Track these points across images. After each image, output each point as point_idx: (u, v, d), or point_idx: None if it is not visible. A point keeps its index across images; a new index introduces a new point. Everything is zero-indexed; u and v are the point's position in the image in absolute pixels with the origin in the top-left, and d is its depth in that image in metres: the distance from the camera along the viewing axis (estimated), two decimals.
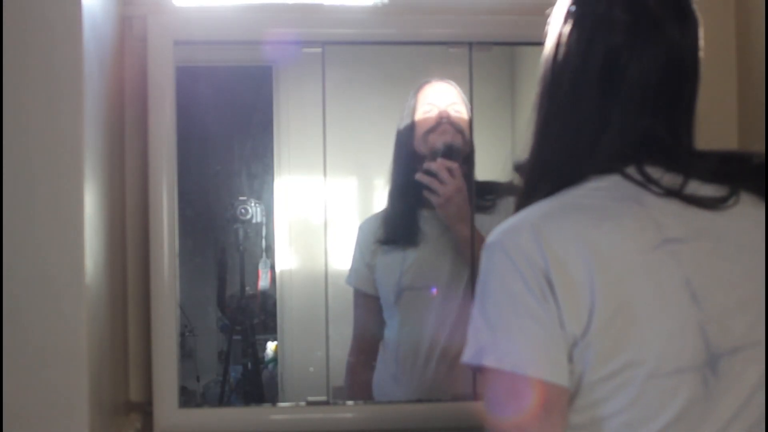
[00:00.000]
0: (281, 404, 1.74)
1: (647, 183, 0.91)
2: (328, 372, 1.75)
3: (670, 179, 0.92)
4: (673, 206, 0.90)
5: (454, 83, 1.82)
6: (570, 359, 0.85)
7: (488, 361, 0.85)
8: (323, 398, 1.68)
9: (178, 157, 1.63)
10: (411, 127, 1.80)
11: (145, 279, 1.61)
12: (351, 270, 1.83)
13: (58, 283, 1.29)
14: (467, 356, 0.87)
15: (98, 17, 1.42)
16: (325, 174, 1.77)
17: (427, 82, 1.83)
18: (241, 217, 1.88)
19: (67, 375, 1.29)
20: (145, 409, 1.62)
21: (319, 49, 1.71)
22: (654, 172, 0.92)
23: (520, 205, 0.95)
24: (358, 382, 1.80)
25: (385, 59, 1.87)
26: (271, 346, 1.96)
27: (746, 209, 0.92)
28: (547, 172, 0.96)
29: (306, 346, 1.87)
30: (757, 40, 1.62)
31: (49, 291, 1.29)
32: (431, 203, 1.74)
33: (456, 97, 1.79)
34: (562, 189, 0.93)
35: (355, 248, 1.82)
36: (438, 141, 1.75)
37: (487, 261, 0.89)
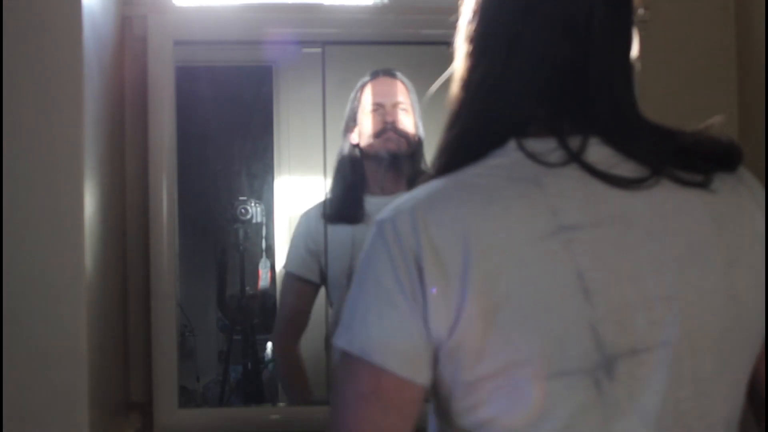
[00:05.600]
0: (281, 404, 1.74)
1: (546, 153, 0.79)
2: (328, 372, 1.75)
3: (575, 146, 0.80)
4: (578, 187, 0.79)
5: (400, 75, 1.81)
6: (436, 356, 0.78)
7: (340, 342, 0.79)
8: (323, 398, 1.68)
9: (178, 157, 1.63)
10: (354, 125, 1.80)
11: (145, 279, 1.61)
12: (290, 256, 1.81)
13: (58, 283, 1.29)
14: (333, 337, 0.82)
15: (98, 17, 1.42)
16: (325, 174, 1.78)
17: (375, 76, 1.81)
18: (241, 217, 1.88)
19: (67, 375, 1.29)
20: (145, 409, 1.62)
21: (319, 49, 1.71)
22: (554, 141, 0.81)
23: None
24: (288, 362, 1.81)
25: (385, 59, 1.87)
26: (271, 346, 1.96)
27: (667, 192, 0.80)
28: (447, 140, 0.86)
29: (306, 346, 1.87)
30: (757, 40, 1.62)
31: (49, 291, 1.29)
32: (374, 190, 1.78)
33: (402, 94, 1.79)
34: (462, 163, 0.82)
35: (295, 236, 1.81)
36: (382, 149, 1.77)
37: (368, 240, 0.83)
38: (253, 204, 1.89)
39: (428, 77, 1.90)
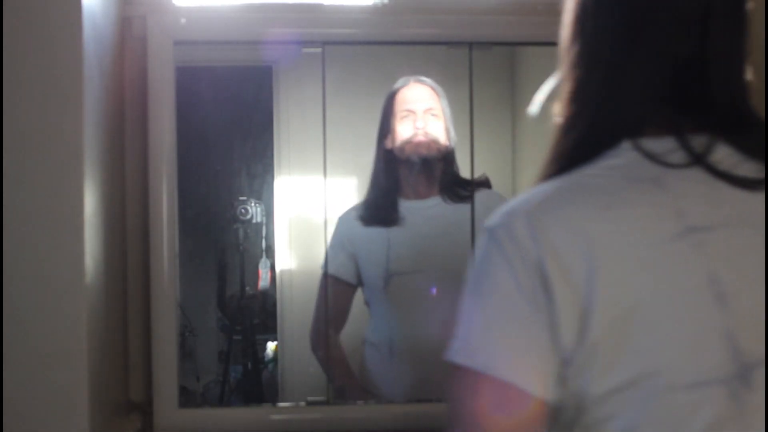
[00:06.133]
0: (281, 404, 1.74)
1: (666, 154, 0.76)
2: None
3: (700, 146, 0.77)
4: (701, 187, 0.75)
5: (430, 81, 1.84)
6: (564, 370, 0.74)
7: (459, 358, 0.75)
8: (323, 398, 1.68)
9: (178, 157, 1.63)
10: (388, 131, 1.84)
11: (145, 279, 1.61)
12: (328, 258, 1.82)
13: (58, 283, 1.29)
14: (447, 353, 0.78)
15: (98, 17, 1.42)
16: (325, 174, 1.78)
17: (404, 84, 1.85)
18: (241, 217, 1.88)
19: (67, 375, 1.29)
20: (145, 409, 1.62)
21: (319, 49, 1.71)
22: (677, 140, 0.78)
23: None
24: (332, 355, 1.81)
25: (385, 59, 1.87)
26: (271, 346, 1.96)
27: None
28: (561, 141, 0.82)
29: (306, 346, 1.87)
30: (756, 40, 1.62)
31: (49, 291, 1.29)
32: (408, 194, 1.82)
33: (432, 100, 1.83)
34: (575, 164, 0.79)
35: (334, 238, 1.83)
36: (413, 154, 1.81)
37: (479, 247, 0.78)
38: (253, 204, 1.89)
39: (428, 77, 1.91)
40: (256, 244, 1.92)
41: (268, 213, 1.92)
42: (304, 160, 1.91)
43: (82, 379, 1.29)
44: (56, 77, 1.29)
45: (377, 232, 1.81)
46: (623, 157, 0.78)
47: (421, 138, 1.81)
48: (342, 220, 1.84)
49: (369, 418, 1.65)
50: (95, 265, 1.37)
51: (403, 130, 1.82)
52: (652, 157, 0.77)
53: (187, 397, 1.74)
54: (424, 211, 1.83)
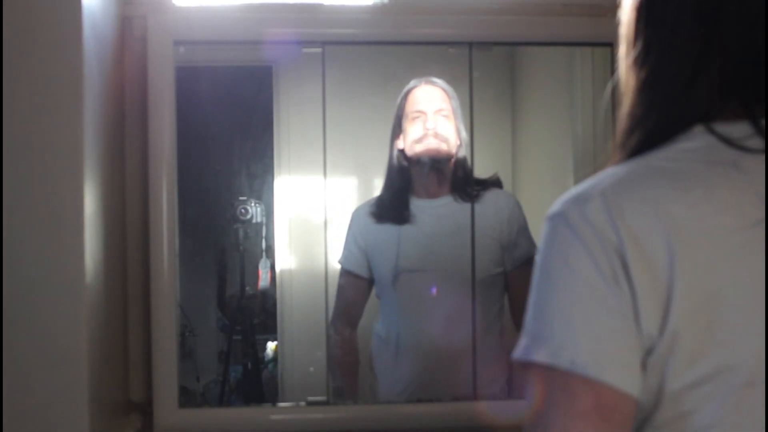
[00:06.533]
0: (281, 404, 1.74)
1: (743, 138, 0.73)
2: (328, 372, 1.75)
3: None
4: None
5: (441, 82, 1.87)
6: (644, 363, 0.70)
7: (540, 356, 0.69)
8: (323, 398, 1.68)
9: (178, 157, 1.63)
10: (400, 131, 1.87)
11: (145, 279, 1.61)
12: (343, 252, 1.87)
13: (58, 283, 1.29)
14: (518, 351, 0.72)
15: (98, 17, 1.42)
16: (325, 174, 1.78)
17: (416, 85, 1.87)
18: (241, 217, 1.88)
19: (67, 375, 1.29)
20: (145, 409, 1.61)
21: (319, 49, 1.71)
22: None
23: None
24: (343, 351, 1.85)
25: (385, 59, 1.87)
26: (271, 346, 1.97)
27: None
28: (633, 127, 0.79)
29: (306, 346, 1.87)
30: None
31: (49, 291, 1.29)
32: (419, 193, 1.85)
33: (443, 101, 1.85)
34: (647, 149, 0.76)
35: (348, 232, 1.87)
36: (424, 154, 1.84)
37: (547, 236, 0.73)
38: (253, 204, 1.90)
39: (428, 77, 1.91)
40: (256, 244, 1.92)
41: (268, 213, 1.92)
42: (304, 160, 1.91)
43: (82, 379, 1.29)
44: (56, 77, 1.29)
45: (388, 229, 1.84)
46: (698, 141, 0.75)
47: (431, 138, 1.84)
48: (355, 216, 1.87)
49: (369, 418, 1.65)
50: (95, 265, 1.37)
51: (414, 131, 1.85)
52: (728, 141, 0.73)
53: (187, 397, 1.74)
54: (435, 210, 1.85)
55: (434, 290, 1.82)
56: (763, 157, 0.73)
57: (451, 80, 1.86)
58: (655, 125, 0.77)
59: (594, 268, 0.69)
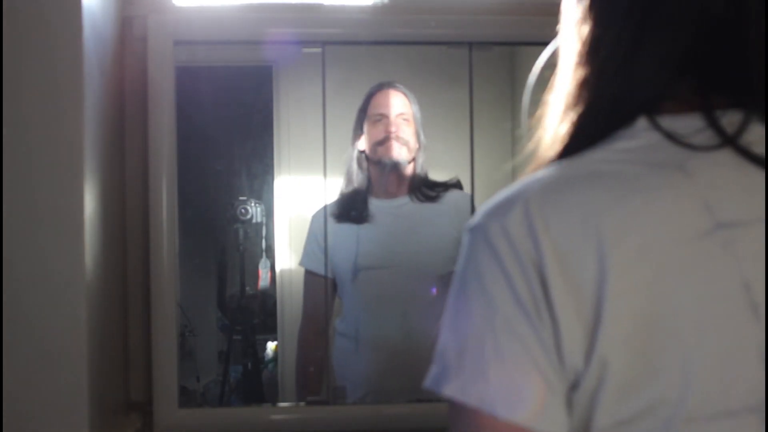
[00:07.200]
0: (281, 404, 1.74)
1: (691, 134, 0.63)
2: (328, 372, 1.75)
3: (731, 125, 0.63)
4: (732, 174, 0.62)
5: (402, 88, 1.90)
6: (570, 398, 0.62)
7: (448, 390, 0.62)
8: (323, 398, 1.69)
9: (178, 157, 1.63)
10: (361, 133, 1.90)
11: (145, 279, 1.61)
12: (304, 252, 1.88)
13: (58, 283, 1.29)
14: (428, 379, 0.65)
15: (98, 17, 1.42)
16: (325, 174, 1.78)
17: (378, 89, 1.90)
18: (241, 217, 1.88)
19: (67, 375, 1.29)
20: (145, 409, 1.62)
21: (319, 49, 1.71)
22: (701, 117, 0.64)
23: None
24: (309, 358, 1.87)
25: (385, 59, 1.87)
26: (271, 346, 1.97)
27: None
28: (564, 114, 0.69)
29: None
30: None
31: (49, 291, 1.29)
32: (378, 193, 1.89)
33: (404, 105, 1.90)
34: (582, 146, 0.66)
35: (308, 234, 1.88)
36: (385, 156, 1.88)
37: (466, 251, 0.64)
38: (253, 204, 1.90)
39: (428, 77, 1.91)
40: (256, 244, 1.92)
41: (268, 213, 1.92)
42: (304, 160, 1.91)
43: (82, 379, 1.29)
44: (56, 77, 1.29)
45: (347, 228, 1.85)
46: (640, 139, 0.64)
47: (393, 141, 1.88)
48: (315, 217, 1.88)
49: (369, 418, 1.65)
50: (95, 265, 1.37)
51: (376, 133, 1.88)
52: (674, 138, 0.64)
53: (187, 397, 1.74)
54: (393, 210, 1.89)
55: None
56: (714, 155, 0.63)
57: (451, 80, 1.85)
58: (587, 114, 0.67)
59: (510, 295, 0.61)
